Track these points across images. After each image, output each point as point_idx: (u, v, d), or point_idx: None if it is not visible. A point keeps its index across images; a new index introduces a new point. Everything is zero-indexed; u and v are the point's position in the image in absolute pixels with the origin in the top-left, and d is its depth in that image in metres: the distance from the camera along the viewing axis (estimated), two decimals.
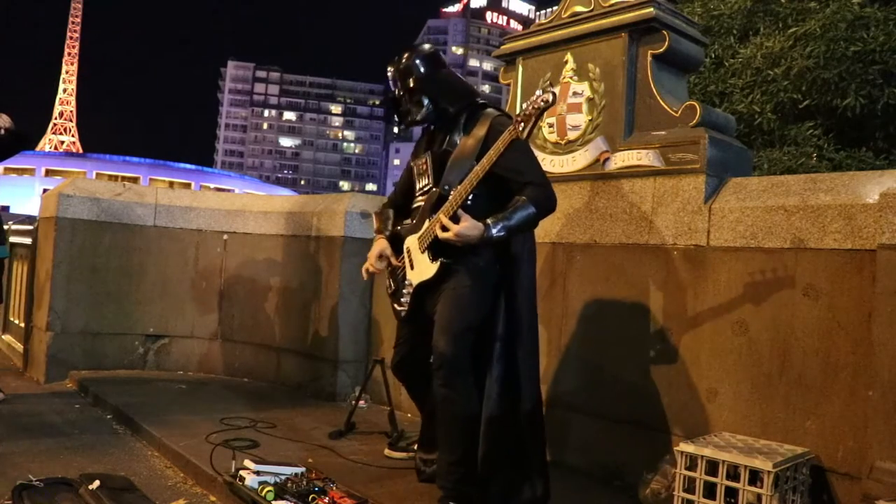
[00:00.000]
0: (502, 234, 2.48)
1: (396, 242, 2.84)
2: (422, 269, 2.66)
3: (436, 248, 2.58)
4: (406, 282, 2.74)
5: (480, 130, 2.64)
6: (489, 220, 2.47)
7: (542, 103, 2.34)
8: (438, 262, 2.58)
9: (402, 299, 2.78)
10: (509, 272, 2.67)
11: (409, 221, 2.82)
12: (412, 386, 2.97)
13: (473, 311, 2.58)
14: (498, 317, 2.64)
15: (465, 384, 2.56)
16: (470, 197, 2.51)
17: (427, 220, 2.63)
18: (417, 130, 2.99)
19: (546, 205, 2.59)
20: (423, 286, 2.66)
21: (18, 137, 4.42)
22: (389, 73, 2.84)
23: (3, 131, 4.27)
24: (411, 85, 2.76)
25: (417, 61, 2.77)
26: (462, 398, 2.55)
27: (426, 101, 2.75)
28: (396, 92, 2.82)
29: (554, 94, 2.37)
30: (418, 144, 2.95)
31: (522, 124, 2.36)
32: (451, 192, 2.54)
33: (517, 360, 2.65)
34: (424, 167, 2.82)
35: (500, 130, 2.53)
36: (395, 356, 2.94)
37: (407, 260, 2.74)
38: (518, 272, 2.68)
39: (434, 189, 2.69)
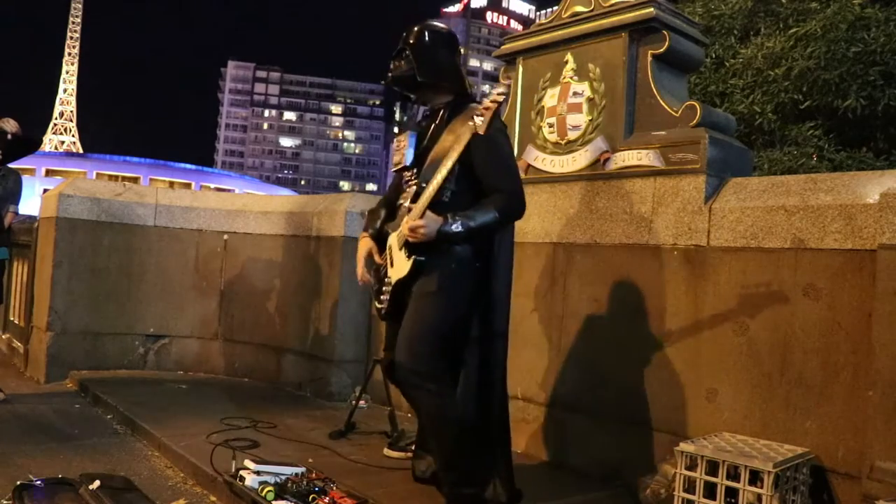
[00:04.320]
0: (460, 230, 2.49)
1: (383, 241, 2.84)
2: (399, 266, 2.65)
3: (411, 245, 2.58)
4: (386, 279, 2.74)
5: (459, 127, 2.63)
6: (449, 215, 2.49)
7: (497, 98, 2.42)
8: (412, 261, 2.58)
9: (381, 297, 2.77)
10: (486, 277, 2.70)
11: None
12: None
13: (436, 318, 2.56)
14: (473, 321, 2.68)
15: (434, 389, 2.54)
16: (448, 194, 2.54)
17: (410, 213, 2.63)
18: None
19: (510, 212, 2.63)
20: (401, 284, 2.65)
21: (25, 142, 4.47)
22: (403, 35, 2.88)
23: (9, 136, 4.30)
24: (408, 44, 2.78)
25: (422, 29, 2.80)
26: (435, 402, 2.55)
27: (410, 65, 2.75)
28: (397, 48, 2.83)
29: (508, 87, 2.49)
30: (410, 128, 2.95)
31: (481, 119, 2.41)
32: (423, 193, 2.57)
33: (490, 366, 2.70)
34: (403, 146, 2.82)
35: (472, 128, 2.54)
36: (384, 359, 2.91)
37: (389, 258, 2.74)
38: (495, 277, 2.73)
39: (414, 184, 2.70)
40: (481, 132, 2.43)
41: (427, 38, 2.77)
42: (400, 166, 2.80)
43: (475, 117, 2.43)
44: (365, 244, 2.87)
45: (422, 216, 2.49)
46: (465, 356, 2.69)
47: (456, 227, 2.49)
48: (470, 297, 2.65)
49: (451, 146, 2.56)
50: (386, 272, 2.75)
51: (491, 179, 2.59)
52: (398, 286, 2.66)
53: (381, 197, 3.16)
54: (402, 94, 2.92)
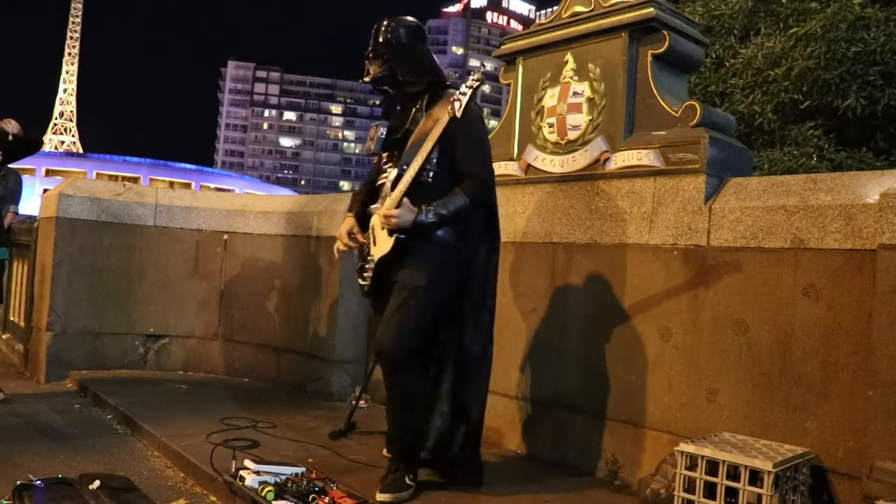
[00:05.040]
0: (433, 219, 2.67)
1: (366, 221, 2.96)
2: (382, 244, 2.79)
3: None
4: (369, 257, 2.87)
5: (439, 112, 2.76)
6: (423, 206, 2.65)
7: (472, 84, 2.61)
8: (394, 238, 2.71)
9: (364, 274, 2.90)
10: (469, 288, 2.86)
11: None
12: None
13: (423, 312, 2.73)
14: (449, 337, 2.85)
15: (407, 373, 2.74)
16: (430, 175, 2.71)
17: (388, 199, 2.77)
18: None
19: (480, 197, 2.79)
20: (384, 261, 2.78)
21: (27, 143, 4.43)
22: (372, 33, 2.94)
23: (10, 137, 4.27)
24: (378, 46, 2.88)
25: (394, 26, 2.89)
26: (405, 385, 2.74)
27: (385, 65, 2.88)
28: (368, 48, 2.93)
29: (483, 73, 2.74)
30: (383, 118, 3.05)
31: (458, 104, 2.58)
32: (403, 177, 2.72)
33: (467, 377, 2.87)
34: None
35: (450, 112, 2.69)
36: (376, 340, 2.99)
37: (371, 237, 2.87)
38: (482, 290, 2.88)
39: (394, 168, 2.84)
40: (458, 115, 2.60)
41: (401, 37, 2.88)
42: (370, 152, 2.95)
43: (453, 102, 2.60)
44: (348, 222, 3.01)
45: (398, 205, 2.65)
46: (445, 377, 2.88)
47: (430, 217, 2.66)
48: (454, 289, 2.82)
49: (431, 130, 2.70)
50: (369, 251, 2.88)
51: (464, 165, 2.76)
52: (381, 263, 2.80)
53: (365, 181, 3.26)
54: (381, 90, 3.02)
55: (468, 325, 2.88)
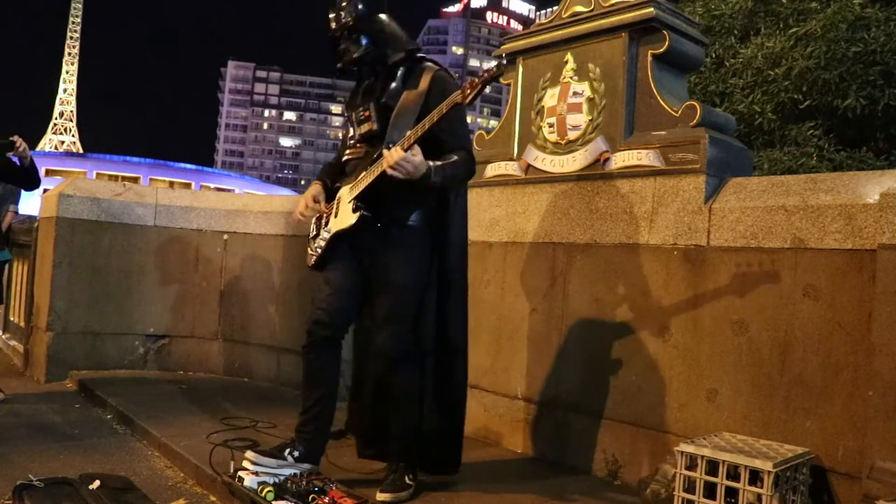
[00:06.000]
0: (437, 180, 2.56)
1: (333, 194, 2.86)
2: (343, 217, 2.71)
3: (361, 199, 2.66)
4: (326, 228, 2.79)
5: (423, 85, 2.66)
6: (432, 164, 2.52)
7: (493, 73, 2.43)
8: (358, 214, 2.64)
9: (314, 245, 2.82)
10: (441, 274, 2.81)
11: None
12: (322, 350, 2.83)
13: (411, 310, 2.76)
14: (430, 328, 2.82)
15: (404, 371, 2.76)
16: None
17: (364, 171, 2.67)
18: None
19: (470, 171, 2.74)
20: (342, 235, 2.72)
21: (25, 169, 4.09)
22: (331, 14, 2.80)
23: (11, 153, 3.94)
24: (350, 22, 2.74)
25: (364, 4, 2.74)
26: (403, 383, 2.77)
27: (364, 41, 2.74)
28: (334, 29, 2.79)
29: (503, 64, 2.57)
30: (353, 94, 2.94)
31: (469, 90, 2.39)
32: (406, 133, 2.54)
33: (452, 383, 2.87)
34: (367, 114, 2.78)
35: (443, 88, 2.63)
36: (316, 313, 2.78)
37: (335, 208, 2.78)
38: (451, 280, 2.84)
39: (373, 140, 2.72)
40: (466, 103, 2.43)
41: (370, 9, 2.75)
42: (370, 134, 2.76)
43: (465, 89, 2.39)
44: (315, 187, 2.90)
45: (409, 149, 2.46)
46: (425, 367, 2.86)
47: (435, 175, 2.54)
48: (428, 276, 2.79)
49: (415, 103, 2.60)
50: (327, 222, 2.80)
51: (456, 141, 2.67)
52: (336, 237, 2.73)
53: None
54: (350, 70, 2.85)
55: (451, 317, 2.85)
